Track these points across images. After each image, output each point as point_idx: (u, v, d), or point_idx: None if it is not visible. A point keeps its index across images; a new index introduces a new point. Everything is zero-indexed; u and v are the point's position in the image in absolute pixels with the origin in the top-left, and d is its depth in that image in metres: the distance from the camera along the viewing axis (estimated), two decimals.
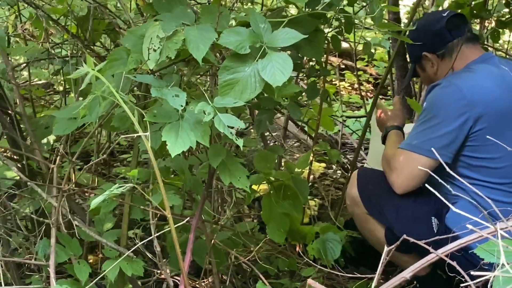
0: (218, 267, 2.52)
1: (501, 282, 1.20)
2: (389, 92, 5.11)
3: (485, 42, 3.50)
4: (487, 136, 2.22)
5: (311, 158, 3.02)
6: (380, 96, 5.56)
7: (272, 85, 1.73)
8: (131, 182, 1.86)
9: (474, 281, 1.27)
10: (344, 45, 5.88)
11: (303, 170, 3.06)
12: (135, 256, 2.17)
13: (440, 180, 1.50)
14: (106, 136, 3.52)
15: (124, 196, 2.26)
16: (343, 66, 6.25)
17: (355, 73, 4.63)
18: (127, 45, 1.90)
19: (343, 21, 2.48)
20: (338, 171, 3.95)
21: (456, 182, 2.35)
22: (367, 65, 6.10)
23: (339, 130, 4.44)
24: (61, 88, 3.97)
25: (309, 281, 1.48)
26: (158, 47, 1.80)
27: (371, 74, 6.09)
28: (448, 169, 1.50)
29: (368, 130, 3.12)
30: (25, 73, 3.92)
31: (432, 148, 2.07)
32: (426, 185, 1.55)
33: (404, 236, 1.44)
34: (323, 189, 3.52)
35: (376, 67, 6.12)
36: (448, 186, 1.58)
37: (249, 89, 1.79)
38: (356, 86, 4.83)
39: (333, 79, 5.65)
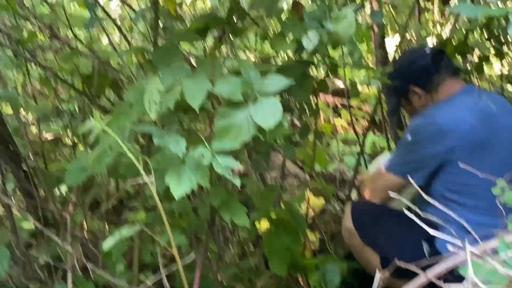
0: None
1: None
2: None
3: (471, 76, 3.66)
4: (459, 164, 2.39)
5: (308, 194, 3.17)
6: (375, 131, 5.76)
7: (264, 128, 1.90)
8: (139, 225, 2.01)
9: None
10: (340, 84, 6.08)
11: (301, 206, 3.20)
12: None
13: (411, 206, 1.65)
14: (115, 186, 3.67)
15: (134, 241, 2.40)
16: (340, 105, 6.41)
17: (349, 111, 4.78)
18: (130, 99, 2.06)
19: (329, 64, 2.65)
20: (337, 207, 4.08)
21: (443, 205, 2.49)
22: (362, 103, 6.25)
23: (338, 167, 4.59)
24: (69, 142, 4.13)
25: None
26: (158, 100, 1.97)
27: (366, 111, 6.24)
28: (420, 190, 1.66)
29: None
30: (34, 130, 4.10)
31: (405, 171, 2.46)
32: (410, 215, 1.70)
33: (396, 260, 1.59)
34: (323, 224, 3.65)
35: (370, 103, 6.27)
36: (430, 215, 1.75)
37: (243, 133, 1.94)
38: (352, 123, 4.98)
39: (330, 118, 5.81)
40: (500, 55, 3.55)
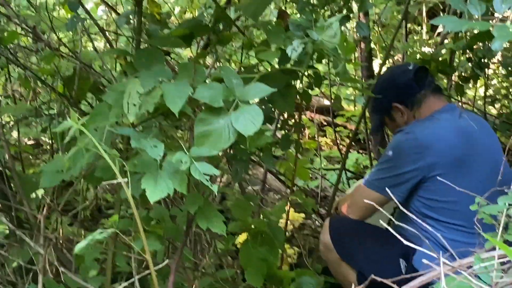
0: None
1: None
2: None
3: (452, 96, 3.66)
4: (439, 179, 2.38)
5: (288, 208, 3.14)
6: (360, 150, 5.76)
7: (244, 135, 1.87)
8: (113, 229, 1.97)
9: None
10: (325, 102, 6.08)
11: (280, 219, 3.17)
12: None
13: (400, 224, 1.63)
14: (93, 193, 3.63)
15: (108, 246, 2.36)
16: (325, 123, 6.42)
17: (333, 129, 4.78)
18: (109, 100, 2.03)
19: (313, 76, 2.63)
20: (317, 221, 4.06)
21: (419, 223, 2.48)
22: (347, 121, 6.26)
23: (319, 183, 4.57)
24: (48, 147, 4.09)
25: None
26: (138, 102, 1.94)
27: (351, 130, 6.24)
28: (399, 205, 1.64)
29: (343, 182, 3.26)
30: (14, 134, 4.05)
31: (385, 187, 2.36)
32: (391, 229, 1.68)
33: (372, 276, 1.56)
34: (302, 238, 3.62)
35: (355, 122, 6.27)
36: (410, 228, 1.73)
37: (223, 139, 1.92)
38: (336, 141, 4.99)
39: (315, 135, 5.81)
40: (475, 77, 3.53)
